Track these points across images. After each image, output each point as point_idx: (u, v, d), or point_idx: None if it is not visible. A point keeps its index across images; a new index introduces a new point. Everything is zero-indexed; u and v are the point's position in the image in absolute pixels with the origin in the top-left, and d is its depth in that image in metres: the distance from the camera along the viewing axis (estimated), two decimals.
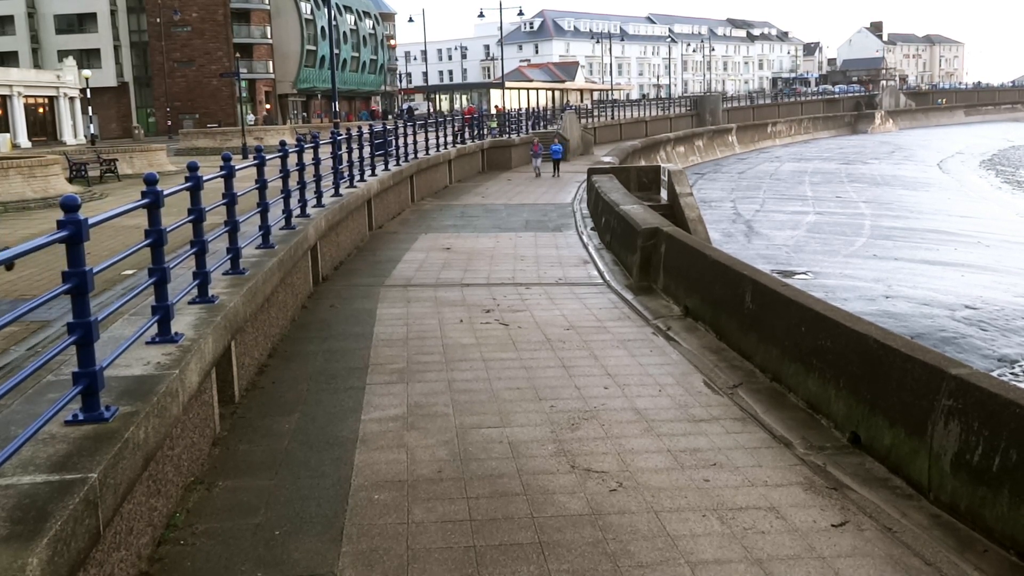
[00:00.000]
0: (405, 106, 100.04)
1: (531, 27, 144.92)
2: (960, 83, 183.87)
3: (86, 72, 65.90)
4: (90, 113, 65.86)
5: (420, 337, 10.73)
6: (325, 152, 15.91)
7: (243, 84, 79.25)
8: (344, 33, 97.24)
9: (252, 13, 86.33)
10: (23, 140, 62.67)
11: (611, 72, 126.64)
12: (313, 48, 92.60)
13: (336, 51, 78.05)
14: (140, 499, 5.15)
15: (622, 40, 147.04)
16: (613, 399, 8.28)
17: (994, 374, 12.31)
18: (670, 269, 12.83)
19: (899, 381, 6.44)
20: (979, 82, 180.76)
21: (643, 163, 39.21)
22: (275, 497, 6.20)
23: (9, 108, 63.24)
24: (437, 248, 18.15)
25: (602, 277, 14.86)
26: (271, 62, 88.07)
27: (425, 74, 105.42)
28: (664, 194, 25.17)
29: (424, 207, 25.80)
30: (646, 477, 6.47)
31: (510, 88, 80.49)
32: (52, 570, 3.66)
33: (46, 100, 68.76)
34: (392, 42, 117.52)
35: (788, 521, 5.78)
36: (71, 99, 69.85)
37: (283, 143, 12.33)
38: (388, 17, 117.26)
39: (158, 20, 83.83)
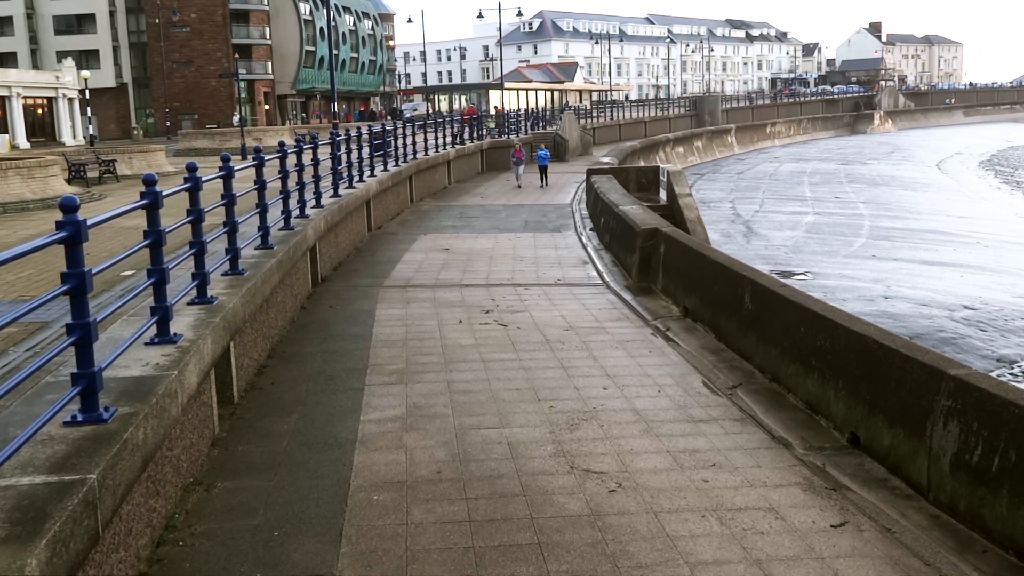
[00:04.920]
0: (398, 108, 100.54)
1: (530, 28, 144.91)
2: (959, 84, 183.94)
3: (85, 73, 65.86)
4: (89, 114, 65.85)
5: (419, 338, 10.73)
6: (324, 153, 15.91)
7: (242, 85, 79.28)
8: (343, 34, 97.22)
9: (251, 14, 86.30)
10: (22, 141, 62.64)
11: (610, 73, 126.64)
12: (312, 49, 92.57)
13: (335, 52, 78.15)
14: (139, 500, 5.15)
15: (621, 41, 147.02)
16: (612, 400, 8.28)
17: (993, 374, 12.29)
18: (669, 270, 12.83)
19: (898, 381, 6.44)
20: (972, 83, 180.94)
21: (642, 164, 39.14)
22: (274, 498, 6.20)
23: (8, 109, 63.22)
24: (436, 249, 18.15)
25: (601, 278, 14.86)
26: (270, 63, 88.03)
27: (424, 75, 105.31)
28: (663, 195, 25.16)
29: (423, 208, 25.80)
30: (645, 478, 6.47)
31: (509, 89, 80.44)
32: (51, 571, 3.66)
33: (45, 101, 68.74)
34: (391, 43, 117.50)
35: (787, 522, 5.78)
36: (70, 100, 69.85)
37: (282, 144, 12.33)
38: (387, 18, 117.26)
39: (157, 21, 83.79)
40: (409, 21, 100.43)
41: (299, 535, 5.65)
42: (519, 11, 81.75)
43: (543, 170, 32.12)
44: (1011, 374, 16.15)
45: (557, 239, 19.49)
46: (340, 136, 18.08)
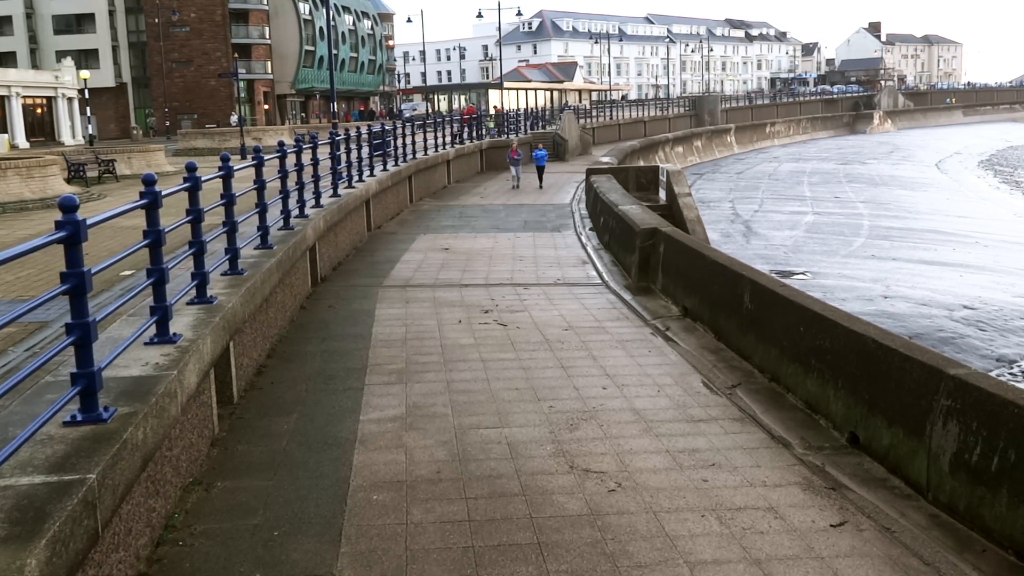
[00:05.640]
0: (396, 108, 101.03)
1: (529, 27, 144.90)
2: (958, 83, 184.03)
3: (84, 72, 65.82)
4: (88, 114, 65.83)
5: (419, 338, 10.73)
6: (324, 152, 15.91)
7: (241, 84, 79.25)
8: (343, 33, 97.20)
9: (250, 13, 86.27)
10: (21, 141, 62.60)
11: (609, 72, 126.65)
12: (312, 48, 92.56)
13: (334, 51, 78.04)
14: (138, 500, 5.15)
15: (620, 40, 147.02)
16: (612, 399, 8.28)
17: (992, 374, 12.30)
18: (669, 269, 12.83)
19: (898, 381, 6.44)
20: (970, 83, 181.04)
21: (641, 163, 39.10)
22: (274, 498, 6.20)
23: (7, 109, 63.18)
24: (436, 249, 18.15)
25: (601, 277, 14.86)
26: (269, 62, 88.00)
27: (424, 74, 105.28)
28: (663, 194, 25.15)
29: (422, 207, 25.80)
30: (645, 477, 6.47)
31: (508, 88, 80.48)
32: (50, 571, 3.66)
33: (44, 100, 68.70)
34: (390, 42, 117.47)
35: (787, 521, 5.78)
36: (69, 100, 69.80)
37: (282, 144, 12.33)
38: (386, 17, 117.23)
39: (156, 20, 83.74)
40: (408, 21, 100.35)
41: (299, 535, 5.65)
42: (518, 11, 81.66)
43: (540, 171, 31.22)
44: (1010, 374, 16.15)
45: (556, 239, 19.49)
46: (339, 136, 18.08)
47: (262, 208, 10.56)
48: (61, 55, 77.87)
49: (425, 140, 29.88)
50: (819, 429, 7.37)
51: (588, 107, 69.38)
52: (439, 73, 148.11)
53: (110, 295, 12.66)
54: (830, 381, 7.43)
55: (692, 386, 8.73)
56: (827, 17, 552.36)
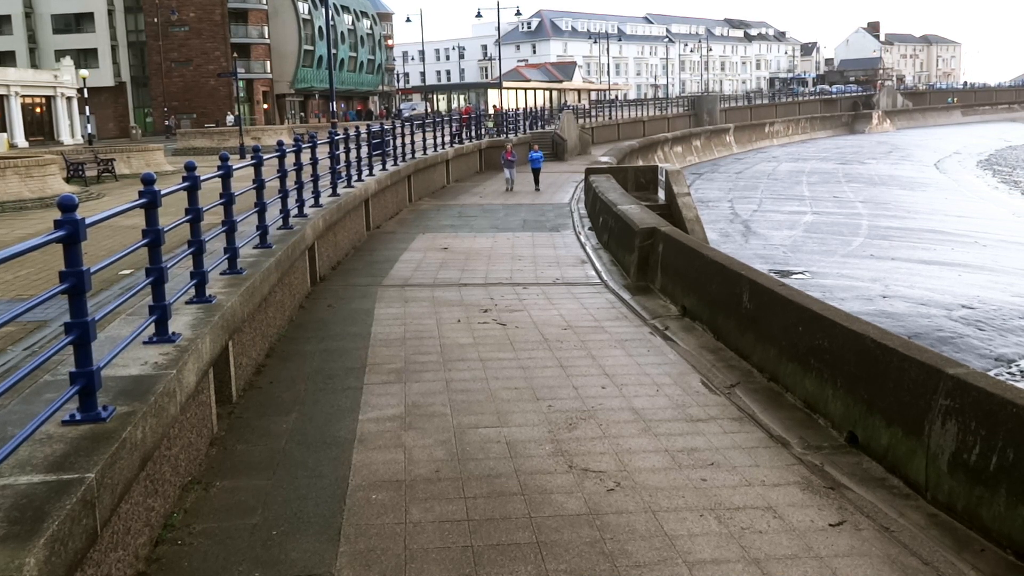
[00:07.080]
0: (394, 108, 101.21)
1: (529, 27, 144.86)
2: (956, 83, 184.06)
3: (83, 72, 65.78)
4: (87, 113, 65.80)
5: (417, 337, 10.73)
6: (323, 152, 15.91)
7: (240, 84, 79.22)
8: (342, 33, 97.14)
9: (250, 13, 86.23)
10: (20, 140, 62.58)
11: (608, 72, 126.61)
12: (311, 48, 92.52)
13: (334, 51, 78.07)
14: (137, 499, 5.15)
15: (619, 40, 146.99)
16: (610, 399, 8.28)
17: (991, 374, 12.30)
18: (668, 269, 12.84)
19: (896, 381, 6.45)
20: (966, 83, 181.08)
21: (641, 163, 39.11)
22: (273, 497, 6.20)
23: (6, 108, 63.14)
24: (435, 248, 18.16)
25: (599, 277, 14.87)
26: (268, 62, 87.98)
27: (423, 74, 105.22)
28: (662, 194, 25.14)
29: (422, 207, 25.80)
30: (644, 477, 6.48)
31: (508, 88, 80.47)
32: (49, 570, 3.66)
33: (43, 100, 68.66)
34: (390, 42, 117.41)
35: (785, 521, 5.79)
36: (68, 99, 69.77)
37: (280, 143, 12.32)
38: (386, 17, 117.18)
39: (155, 20, 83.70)
40: (408, 20, 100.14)
41: (297, 534, 5.65)
42: (518, 10, 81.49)
43: (536, 173, 30.16)
44: (1009, 373, 16.15)
45: (555, 238, 19.49)
46: (338, 135, 18.08)
47: (261, 207, 10.56)
48: (60, 54, 77.84)
49: (424, 140, 29.87)
50: (818, 428, 7.38)
51: (587, 107, 69.37)
52: (438, 73, 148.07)
53: (109, 294, 12.65)
54: (829, 380, 7.43)
55: (691, 385, 8.74)
56: (826, 17, 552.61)
